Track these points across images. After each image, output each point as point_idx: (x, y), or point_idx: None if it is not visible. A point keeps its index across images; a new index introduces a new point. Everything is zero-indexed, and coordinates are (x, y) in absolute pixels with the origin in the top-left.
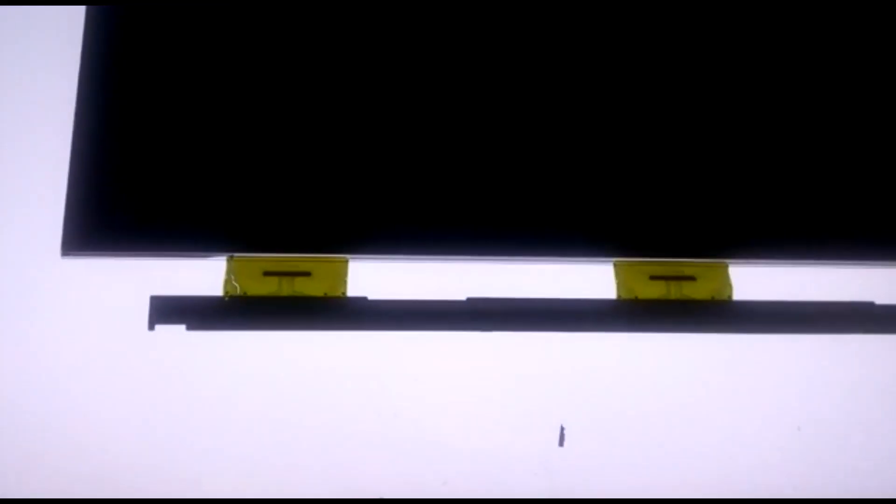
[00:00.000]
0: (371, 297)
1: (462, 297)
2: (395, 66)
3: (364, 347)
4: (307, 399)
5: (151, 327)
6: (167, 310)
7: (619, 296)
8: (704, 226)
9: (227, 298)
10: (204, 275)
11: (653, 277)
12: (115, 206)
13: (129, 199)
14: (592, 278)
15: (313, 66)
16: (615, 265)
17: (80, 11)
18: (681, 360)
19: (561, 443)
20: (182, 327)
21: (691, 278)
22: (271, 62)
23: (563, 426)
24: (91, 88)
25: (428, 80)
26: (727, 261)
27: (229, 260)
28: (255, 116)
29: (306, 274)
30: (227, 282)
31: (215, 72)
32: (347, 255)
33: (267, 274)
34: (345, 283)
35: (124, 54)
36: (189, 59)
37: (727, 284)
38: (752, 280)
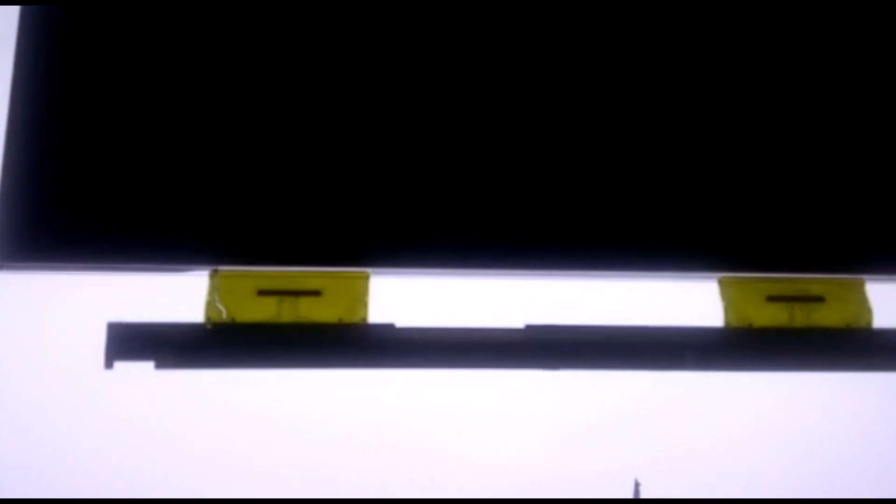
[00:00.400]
0: (399, 323)
1: (519, 324)
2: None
3: (390, 391)
4: (315, 461)
5: (109, 365)
6: (130, 341)
7: (727, 323)
8: (835, 232)
9: (209, 326)
10: (179, 296)
11: (770, 298)
12: (63, 206)
13: (81, 198)
14: (692, 300)
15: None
16: (721, 283)
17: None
18: (809, 405)
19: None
20: (149, 365)
21: (819, 299)
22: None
23: (639, 481)
24: (32, 76)
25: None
26: (864, 276)
27: (213, 275)
28: (240, 83)
29: (315, 293)
30: (210, 304)
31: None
32: (369, 269)
33: (263, 293)
34: (365, 305)
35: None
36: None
37: (865, 308)
38: None
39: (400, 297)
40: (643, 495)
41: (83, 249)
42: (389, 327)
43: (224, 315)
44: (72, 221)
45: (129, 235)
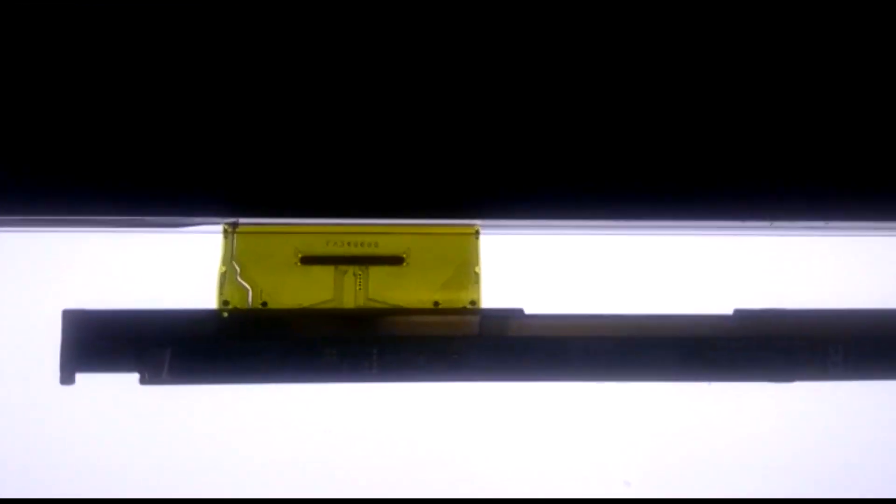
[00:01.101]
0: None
1: (727, 309)
2: None
3: (516, 416)
4: None
5: (67, 378)
6: (99, 341)
7: None
8: None
9: (224, 315)
10: (176, 267)
11: None
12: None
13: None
14: None
15: None
16: None
17: None
18: None
19: None
20: (132, 377)
21: None
22: None
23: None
24: None
25: None
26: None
27: (230, 232)
28: None
29: (395, 261)
30: (226, 279)
31: None
32: (477, 221)
33: (310, 261)
34: (476, 279)
35: None
36: None
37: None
38: None
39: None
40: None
41: (30, 196)
42: (518, 315)
43: (249, 297)
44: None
45: (95, 167)
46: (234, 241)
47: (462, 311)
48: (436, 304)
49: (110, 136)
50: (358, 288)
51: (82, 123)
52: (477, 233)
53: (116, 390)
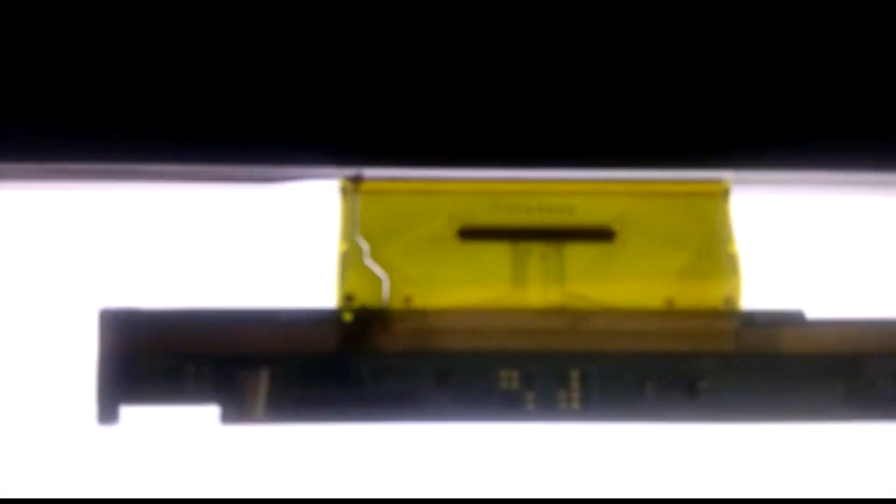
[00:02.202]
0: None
1: None
2: None
3: None
4: None
5: (107, 414)
6: (155, 354)
7: None
8: None
9: (348, 316)
10: (274, 238)
11: None
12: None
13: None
14: None
15: None
16: None
17: None
18: None
19: None
20: (207, 412)
21: None
22: None
23: None
24: None
25: None
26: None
27: (349, 191)
28: None
29: (599, 234)
30: (349, 263)
31: None
32: (727, 173)
33: (473, 234)
34: (734, 261)
35: None
36: None
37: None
38: None
39: None
40: None
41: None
42: (797, 320)
43: (385, 290)
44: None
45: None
46: (358, 203)
47: (711, 314)
48: (669, 302)
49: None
50: (548, 277)
51: (149, 57)
52: (726, 191)
53: (180, 432)
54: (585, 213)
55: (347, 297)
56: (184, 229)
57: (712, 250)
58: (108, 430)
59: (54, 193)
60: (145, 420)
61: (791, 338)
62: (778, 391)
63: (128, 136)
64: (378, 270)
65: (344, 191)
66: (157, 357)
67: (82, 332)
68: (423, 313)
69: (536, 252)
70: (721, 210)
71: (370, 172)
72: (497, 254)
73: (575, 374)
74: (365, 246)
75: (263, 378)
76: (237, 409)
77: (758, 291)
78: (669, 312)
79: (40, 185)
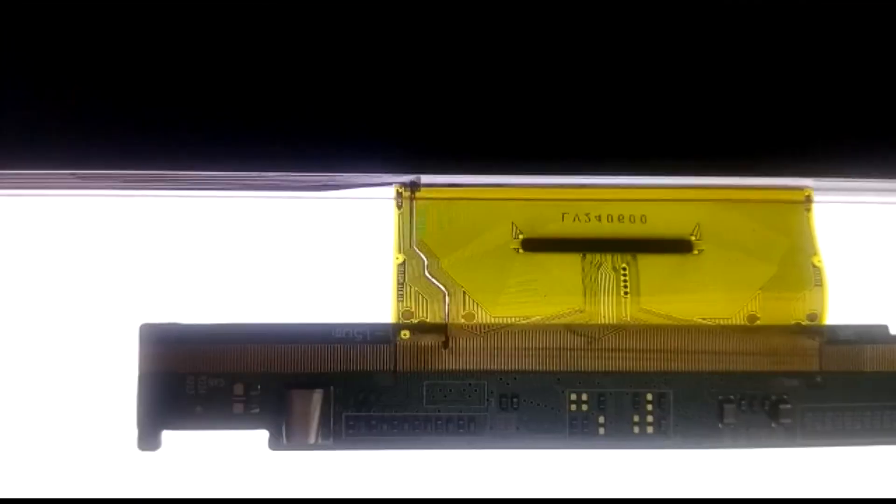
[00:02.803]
0: None
1: None
2: None
3: None
4: None
5: (148, 439)
6: (199, 373)
7: None
8: None
9: (406, 334)
10: (326, 248)
11: None
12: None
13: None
14: None
15: None
16: None
17: None
18: None
19: None
20: (254, 437)
21: None
22: None
23: None
24: None
25: None
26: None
27: (406, 197)
28: None
29: (677, 246)
30: (407, 275)
31: None
32: (808, 181)
33: (536, 245)
34: (820, 273)
35: None
36: None
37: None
38: None
39: None
40: None
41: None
42: (883, 336)
43: (445, 305)
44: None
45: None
46: (415, 211)
47: (795, 330)
48: (751, 318)
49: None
50: (622, 291)
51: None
52: (808, 198)
53: (222, 454)
54: (660, 223)
55: (406, 313)
56: (234, 240)
57: (796, 262)
58: (149, 455)
59: (94, 199)
60: (189, 445)
61: (877, 355)
62: (863, 411)
63: (175, 141)
64: (438, 284)
65: (399, 198)
66: (202, 377)
67: (122, 350)
68: (485, 330)
69: (608, 264)
70: (803, 219)
71: (427, 179)
72: (565, 266)
73: (650, 396)
74: (423, 257)
75: (316, 400)
76: (288, 433)
77: (840, 305)
78: (751, 329)
79: (80, 190)
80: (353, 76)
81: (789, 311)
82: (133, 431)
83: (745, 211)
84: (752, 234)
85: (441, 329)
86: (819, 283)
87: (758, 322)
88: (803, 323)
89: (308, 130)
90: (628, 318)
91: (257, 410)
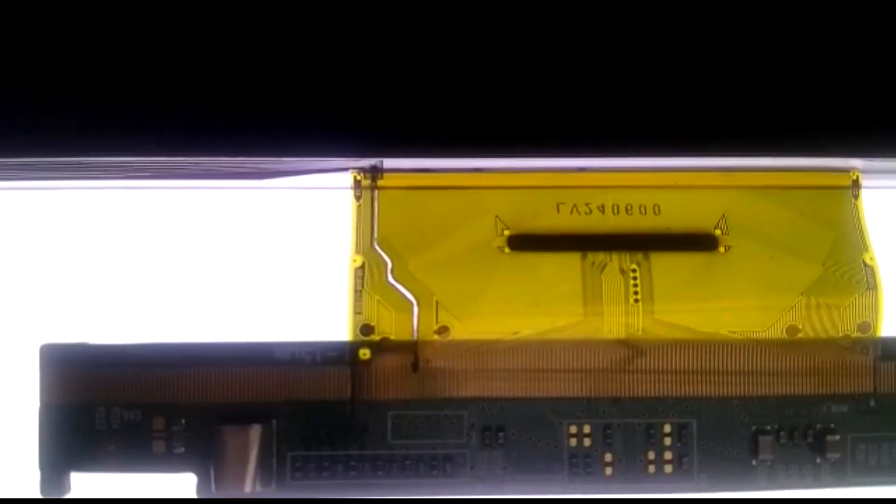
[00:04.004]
0: None
1: None
2: None
3: None
4: None
5: (51, 485)
6: (113, 402)
7: None
8: None
9: (365, 354)
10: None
11: None
12: None
13: None
14: None
15: None
16: None
17: None
18: None
19: None
20: (179, 480)
21: None
22: None
23: None
24: None
25: None
26: None
27: (366, 186)
28: None
29: (697, 242)
30: (367, 280)
31: None
32: (856, 162)
33: (525, 243)
34: (868, 280)
35: None
36: None
37: None
38: None
39: None
40: None
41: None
42: None
43: (414, 318)
44: None
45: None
46: (376, 202)
47: (844, 343)
48: (791, 330)
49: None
50: (632, 298)
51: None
52: (856, 182)
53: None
54: (677, 215)
55: (364, 328)
56: (159, 238)
57: (843, 260)
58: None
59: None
60: (100, 489)
61: None
62: None
63: (118, 127)
64: (404, 291)
65: (357, 187)
66: (114, 409)
67: (21, 374)
68: (463, 348)
69: (614, 265)
70: (850, 207)
71: (391, 163)
72: (561, 268)
73: (667, 428)
74: (386, 259)
75: (254, 437)
76: (218, 478)
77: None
78: (791, 343)
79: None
80: (302, 41)
81: (836, 321)
82: (35, 473)
83: (780, 199)
84: (789, 227)
85: (409, 347)
86: (872, 287)
87: (799, 335)
88: (853, 335)
89: (249, 108)
90: (640, 332)
91: (182, 450)
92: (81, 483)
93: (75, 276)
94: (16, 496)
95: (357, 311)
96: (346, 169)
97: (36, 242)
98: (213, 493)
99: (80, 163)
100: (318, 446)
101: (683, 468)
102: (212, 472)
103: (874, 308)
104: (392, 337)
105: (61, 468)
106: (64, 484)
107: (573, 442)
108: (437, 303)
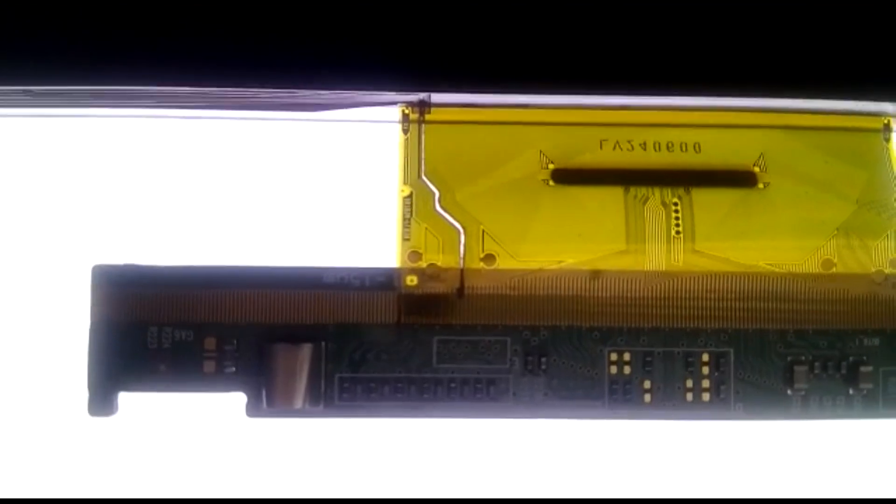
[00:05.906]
0: None
1: None
2: None
3: None
4: None
5: (100, 404)
6: (163, 324)
7: None
8: None
9: (413, 280)
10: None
11: None
12: None
13: None
14: None
15: None
16: None
17: None
18: None
19: None
20: (228, 400)
21: None
22: None
23: None
24: None
25: None
26: None
27: (413, 120)
28: None
29: (737, 178)
30: (415, 211)
31: None
32: (888, 106)
33: (569, 177)
34: None
35: None
36: None
37: None
38: None
39: None
40: None
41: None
42: None
43: (461, 245)
44: None
45: None
46: (423, 136)
47: (877, 278)
48: (826, 264)
49: None
50: (673, 231)
51: None
52: (887, 126)
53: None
54: (717, 152)
55: (412, 255)
56: (212, 168)
57: (876, 200)
58: (102, 421)
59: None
60: (149, 411)
61: None
62: None
63: (152, 54)
64: (451, 220)
65: (406, 120)
66: (166, 329)
67: (72, 294)
68: (508, 276)
69: (656, 199)
70: (883, 150)
71: (439, 98)
72: (605, 201)
73: (706, 357)
74: (434, 190)
75: (304, 357)
76: (269, 396)
77: None
78: (826, 277)
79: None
80: None
81: (870, 257)
82: (83, 393)
83: (814, 140)
84: (824, 167)
85: (455, 274)
86: None
87: (833, 269)
88: (886, 271)
89: (296, 41)
90: (680, 264)
91: (233, 369)
92: (128, 404)
93: (126, 202)
94: (16, 496)
95: (405, 239)
96: (395, 103)
97: (92, 168)
98: (265, 412)
99: (137, 91)
100: (365, 368)
101: (721, 396)
102: (263, 392)
103: None
104: (439, 264)
105: (110, 388)
106: (112, 404)
107: (613, 369)
108: (483, 232)
